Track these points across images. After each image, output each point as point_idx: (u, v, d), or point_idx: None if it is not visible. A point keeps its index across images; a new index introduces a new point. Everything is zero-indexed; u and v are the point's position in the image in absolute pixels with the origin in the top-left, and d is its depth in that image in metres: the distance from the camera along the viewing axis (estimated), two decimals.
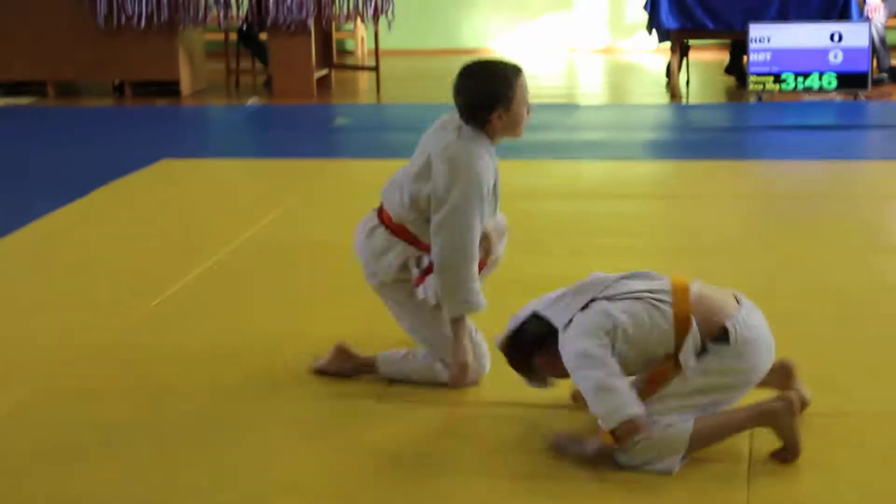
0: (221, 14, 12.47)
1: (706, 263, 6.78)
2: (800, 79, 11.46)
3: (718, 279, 5.46)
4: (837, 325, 5.74)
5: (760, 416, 4.63)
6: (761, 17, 11.82)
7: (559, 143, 10.12)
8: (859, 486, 4.37)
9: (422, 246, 5.22)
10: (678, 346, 4.55)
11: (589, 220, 7.76)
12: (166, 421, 4.89)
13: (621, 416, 4.36)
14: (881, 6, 12.10)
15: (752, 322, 4.63)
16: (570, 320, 4.56)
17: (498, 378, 5.14)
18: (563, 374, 4.65)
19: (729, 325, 4.51)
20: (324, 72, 12.93)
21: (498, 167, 5.18)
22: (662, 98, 12.44)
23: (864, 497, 4.36)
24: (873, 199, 8.27)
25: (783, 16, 11.83)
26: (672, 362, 4.59)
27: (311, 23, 12.31)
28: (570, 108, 11.96)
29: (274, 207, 7.95)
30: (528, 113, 5.18)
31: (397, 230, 5.24)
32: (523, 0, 15.60)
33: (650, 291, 4.54)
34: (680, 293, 4.55)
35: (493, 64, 5.23)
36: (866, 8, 12.07)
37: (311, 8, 12.18)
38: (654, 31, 12.33)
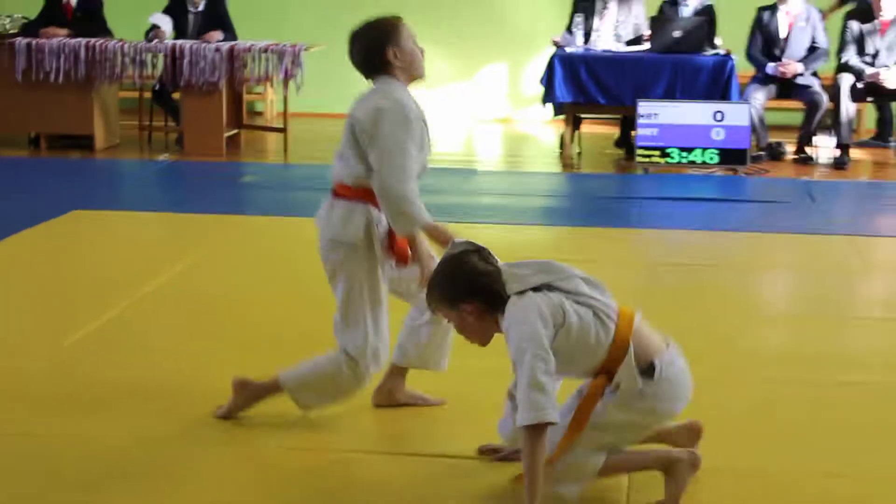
0: (136, 73, 12.49)
1: None
2: (684, 153, 11.66)
3: None
4: (715, 389, 5.71)
5: (666, 462, 4.67)
6: (649, 94, 12.02)
7: (457, 206, 10.06)
8: None
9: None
10: (605, 366, 4.53)
11: None
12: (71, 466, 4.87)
13: (541, 419, 4.31)
14: (759, 88, 12.37)
15: (678, 365, 4.61)
16: (523, 293, 4.52)
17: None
18: (474, 335, 4.66)
19: (657, 361, 4.50)
20: (234, 131, 12.96)
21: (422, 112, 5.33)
22: (555, 167, 12.57)
23: None
24: (750, 269, 8.46)
25: (670, 94, 12.05)
26: (604, 380, 4.54)
27: (222, 84, 12.35)
28: (468, 172, 12.01)
29: (180, 259, 8.01)
30: (421, 54, 5.40)
31: (355, 195, 5.30)
32: (427, 70, 15.63)
33: (602, 304, 4.51)
34: (625, 318, 4.51)
35: (371, 19, 5.35)
36: (746, 91, 12.30)
37: (224, 70, 12.24)
38: (548, 104, 12.45)
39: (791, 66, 12.33)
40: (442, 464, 5.07)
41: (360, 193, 5.27)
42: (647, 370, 4.52)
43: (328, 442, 5.28)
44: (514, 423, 4.50)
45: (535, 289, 4.53)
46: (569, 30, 12.75)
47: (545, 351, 4.38)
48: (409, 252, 5.26)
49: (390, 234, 5.30)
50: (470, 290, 4.58)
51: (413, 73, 5.43)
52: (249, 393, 5.45)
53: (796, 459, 4.99)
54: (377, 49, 5.28)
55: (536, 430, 4.32)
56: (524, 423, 4.33)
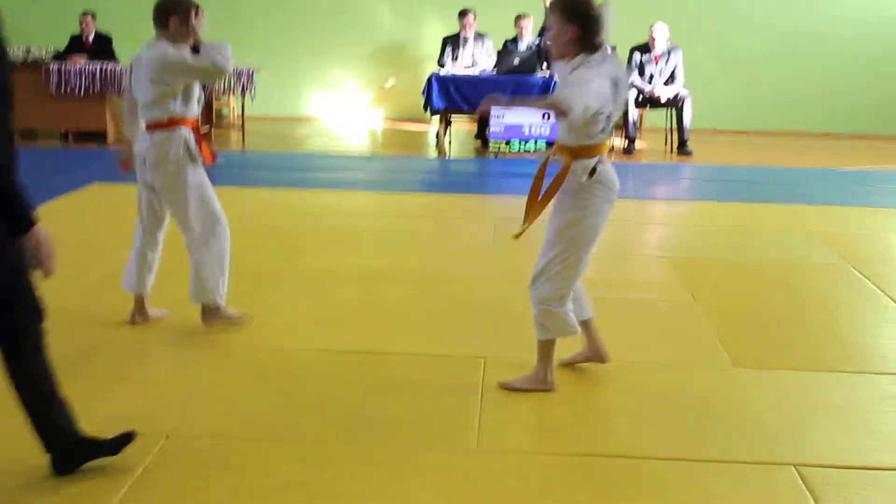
0: None
1: (450, 259, 7.08)
2: (521, 143, 11.60)
3: (463, 270, 5.61)
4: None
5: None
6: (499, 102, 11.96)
7: (362, 180, 10.26)
8: (573, 404, 4.52)
9: (188, 123, 5.08)
10: (577, 150, 4.32)
11: (381, 232, 7.87)
12: None
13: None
14: None
15: (610, 170, 4.40)
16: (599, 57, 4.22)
17: None
18: (556, 45, 4.26)
19: (598, 165, 4.32)
20: (206, 128, 12.92)
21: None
22: (433, 153, 12.60)
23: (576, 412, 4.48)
24: None
25: (512, 102, 11.99)
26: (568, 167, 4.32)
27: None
28: (369, 158, 12.06)
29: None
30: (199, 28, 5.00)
31: (167, 124, 5.03)
32: (342, 82, 15.60)
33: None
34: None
35: None
36: None
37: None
38: (428, 108, 12.42)
39: None
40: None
41: (170, 122, 5.07)
42: (591, 172, 4.33)
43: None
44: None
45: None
46: (440, 60, 12.84)
47: (601, 97, 4.11)
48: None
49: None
50: (588, 20, 4.26)
51: (186, 39, 5.00)
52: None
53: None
54: (164, 12, 4.99)
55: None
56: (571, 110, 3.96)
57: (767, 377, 4.88)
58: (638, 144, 12.75)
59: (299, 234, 7.61)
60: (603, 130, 4.33)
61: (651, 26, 12.43)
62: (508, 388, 4.60)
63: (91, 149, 12.03)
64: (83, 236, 7.48)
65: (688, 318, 5.81)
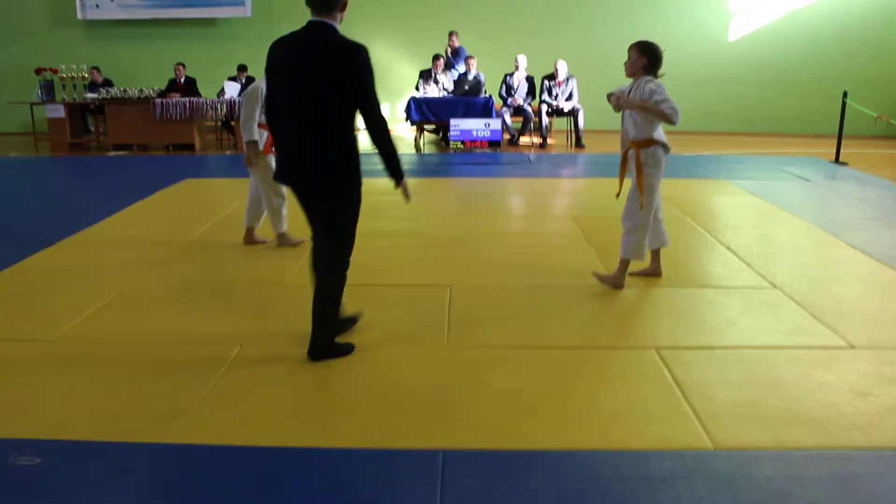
0: (213, 114, 12.29)
1: (430, 221, 6.82)
2: (472, 142, 11.67)
3: (440, 228, 5.42)
4: (469, 265, 5.69)
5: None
6: (456, 115, 11.88)
7: (365, 170, 10.13)
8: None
9: (263, 126, 5.49)
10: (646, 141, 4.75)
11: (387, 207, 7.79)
12: None
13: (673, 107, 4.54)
14: (505, 110, 12.37)
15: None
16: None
17: None
18: (631, 68, 4.75)
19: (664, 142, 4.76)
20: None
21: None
22: (411, 150, 12.32)
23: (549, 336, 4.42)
24: (501, 195, 8.26)
25: (465, 115, 11.90)
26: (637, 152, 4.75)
27: None
28: (367, 155, 11.81)
29: (236, 200, 7.80)
30: None
31: (261, 125, 5.51)
32: None
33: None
34: None
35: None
36: (501, 112, 12.32)
37: None
38: (408, 120, 12.26)
39: (517, 100, 12.39)
40: None
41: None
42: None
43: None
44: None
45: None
46: (417, 87, 12.69)
47: (674, 106, 4.52)
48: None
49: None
50: (654, 55, 4.69)
51: None
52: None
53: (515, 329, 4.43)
54: None
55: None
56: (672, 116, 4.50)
57: (637, 292, 4.93)
58: (549, 141, 12.71)
59: None
60: (656, 129, 4.74)
61: (555, 62, 12.39)
62: (598, 277, 5.05)
63: (184, 155, 11.89)
64: (184, 211, 7.42)
65: (583, 255, 5.83)
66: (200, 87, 13.07)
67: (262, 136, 5.64)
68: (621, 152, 4.88)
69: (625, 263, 4.95)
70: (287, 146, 3.63)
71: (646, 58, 4.71)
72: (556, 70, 12.41)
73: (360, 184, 3.66)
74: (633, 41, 4.82)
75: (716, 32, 14.33)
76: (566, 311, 4.58)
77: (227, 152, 12.19)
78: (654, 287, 5.01)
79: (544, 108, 12.43)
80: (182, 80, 12.86)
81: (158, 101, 12.08)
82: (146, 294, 4.93)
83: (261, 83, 5.45)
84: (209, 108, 12.20)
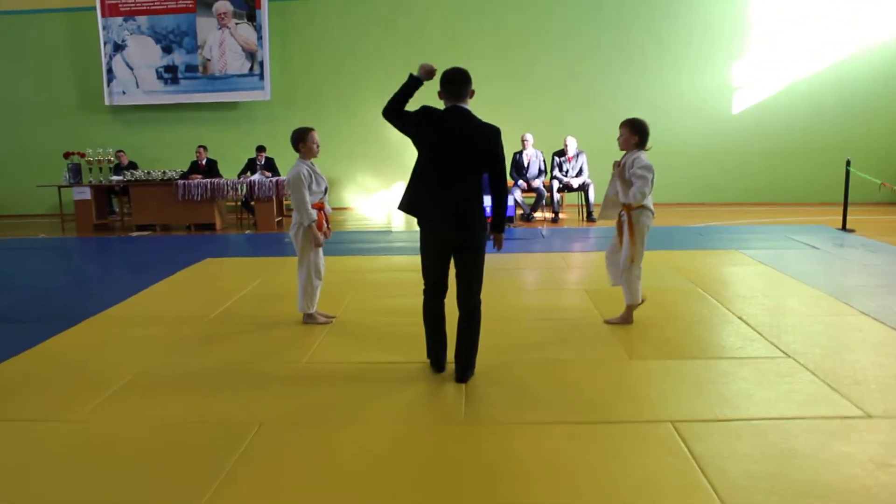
0: (234, 194, 12.46)
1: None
2: None
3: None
4: (495, 327, 5.79)
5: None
6: None
7: (382, 248, 10.14)
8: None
9: (316, 205, 5.76)
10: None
11: (398, 281, 7.71)
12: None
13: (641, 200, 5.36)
14: (517, 188, 12.45)
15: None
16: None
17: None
18: (625, 144, 5.43)
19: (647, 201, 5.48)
20: (279, 218, 12.79)
21: (313, 171, 5.67)
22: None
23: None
24: (516, 270, 8.18)
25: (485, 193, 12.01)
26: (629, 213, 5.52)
27: (273, 197, 12.31)
28: (387, 232, 11.85)
29: (258, 278, 7.91)
30: (317, 148, 5.68)
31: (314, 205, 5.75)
32: (367, 183, 15.57)
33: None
34: None
35: (300, 127, 5.68)
36: (512, 189, 12.39)
37: (274, 191, 12.24)
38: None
39: (533, 182, 12.51)
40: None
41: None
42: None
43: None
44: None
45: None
46: None
47: (650, 183, 5.32)
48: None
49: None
50: (644, 133, 5.39)
51: (309, 156, 5.72)
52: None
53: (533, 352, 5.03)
54: (294, 141, 5.65)
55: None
56: (633, 200, 5.37)
57: (652, 365, 4.89)
58: (561, 216, 12.79)
59: (343, 284, 7.61)
60: (646, 197, 5.43)
61: (565, 138, 12.56)
62: (609, 322, 5.83)
63: (205, 235, 12.02)
64: (205, 290, 7.47)
65: (596, 328, 5.81)
66: (221, 168, 13.32)
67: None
68: (607, 213, 5.66)
69: (630, 307, 5.77)
70: (438, 201, 4.38)
71: (637, 136, 5.39)
72: (566, 146, 12.56)
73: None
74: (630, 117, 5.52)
75: (719, 105, 14.51)
76: (580, 384, 4.55)
77: (247, 232, 12.32)
78: (669, 359, 4.98)
79: (555, 183, 12.54)
80: (203, 162, 13.09)
81: (181, 182, 12.29)
82: (168, 372, 4.96)
83: (301, 167, 5.64)
84: (230, 188, 12.39)
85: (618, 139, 5.46)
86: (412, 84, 4.47)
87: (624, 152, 5.54)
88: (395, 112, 4.46)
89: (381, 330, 5.87)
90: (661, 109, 14.47)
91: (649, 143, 5.45)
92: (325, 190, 5.87)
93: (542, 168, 12.78)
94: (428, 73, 4.51)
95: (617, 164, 5.51)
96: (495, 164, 4.38)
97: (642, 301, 5.82)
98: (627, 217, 5.53)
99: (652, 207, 5.52)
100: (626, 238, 5.58)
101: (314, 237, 5.75)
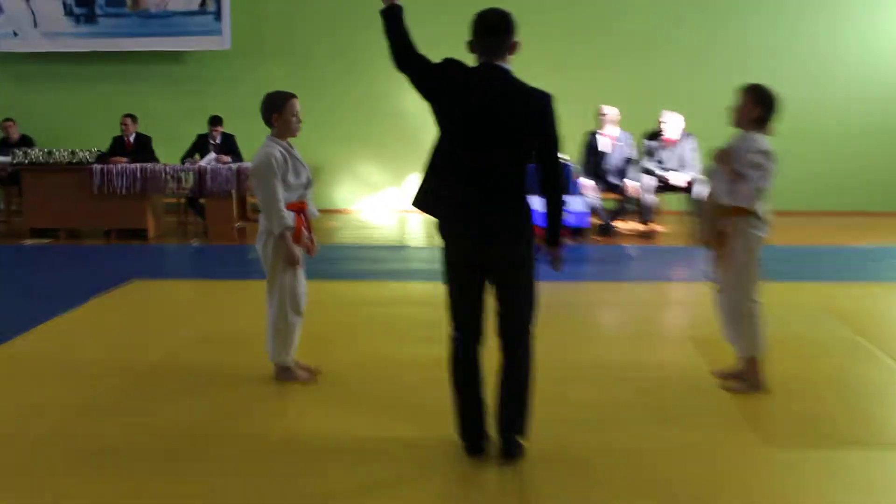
0: (175, 186, 12.57)
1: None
2: None
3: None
4: (574, 383, 5.74)
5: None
6: None
7: (392, 270, 10.21)
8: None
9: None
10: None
11: (414, 318, 7.76)
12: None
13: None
14: (592, 187, 12.52)
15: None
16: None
17: None
18: (741, 115, 5.49)
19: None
20: (241, 223, 12.91)
21: (290, 154, 5.75)
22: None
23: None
24: (592, 305, 8.38)
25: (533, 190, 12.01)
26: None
27: (233, 192, 12.45)
28: (399, 248, 12.00)
29: (208, 312, 8.02)
30: (297, 122, 5.75)
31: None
32: (370, 177, 15.73)
33: None
34: None
35: (273, 91, 5.77)
36: (582, 188, 12.45)
37: (234, 182, 12.37)
38: None
39: (630, 186, 12.55)
40: None
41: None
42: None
43: None
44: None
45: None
46: None
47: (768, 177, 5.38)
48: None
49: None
50: (770, 107, 5.41)
51: (286, 134, 5.78)
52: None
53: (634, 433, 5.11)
54: (266, 112, 5.71)
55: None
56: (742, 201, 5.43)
57: (795, 456, 4.84)
58: (656, 228, 12.79)
59: (335, 325, 7.64)
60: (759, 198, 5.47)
61: (661, 114, 12.53)
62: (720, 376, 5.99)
63: (132, 245, 12.14)
64: (132, 327, 7.54)
65: (712, 396, 5.79)
66: (158, 148, 13.42)
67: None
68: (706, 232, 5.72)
69: (751, 361, 5.72)
70: (465, 199, 4.39)
71: (759, 108, 5.44)
72: (664, 125, 12.55)
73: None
74: (764, 84, 5.47)
75: None
76: (684, 482, 4.53)
77: (194, 242, 12.38)
78: (825, 448, 4.93)
79: (647, 180, 12.52)
80: (132, 139, 13.21)
81: (97, 168, 12.39)
82: (75, 446, 4.97)
83: (272, 149, 5.66)
84: (169, 177, 12.50)
85: (731, 109, 5.51)
86: (390, 16, 4.44)
87: (733, 134, 5.62)
88: (403, 53, 4.43)
89: (387, 390, 5.88)
90: (811, 76, 14.45)
91: (774, 125, 5.50)
92: (308, 183, 5.90)
93: (630, 157, 12.77)
94: None
95: (721, 155, 5.56)
96: (545, 147, 4.41)
97: (739, 376, 5.89)
98: (728, 227, 5.55)
99: (765, 215, 5.53)
100: (727, 259, 5.65)
101: (289, 253, 5.78)
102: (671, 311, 8.20)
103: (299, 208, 5.84)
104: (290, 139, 5.83)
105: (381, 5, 4.48)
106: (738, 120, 5.51)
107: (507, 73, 4.39)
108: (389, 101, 14.94)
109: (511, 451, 4.63)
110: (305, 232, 5.93)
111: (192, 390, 5.92)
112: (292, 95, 5.77)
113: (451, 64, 4.44)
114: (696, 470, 4.67)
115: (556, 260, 4.64)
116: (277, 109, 5.71)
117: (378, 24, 4.44)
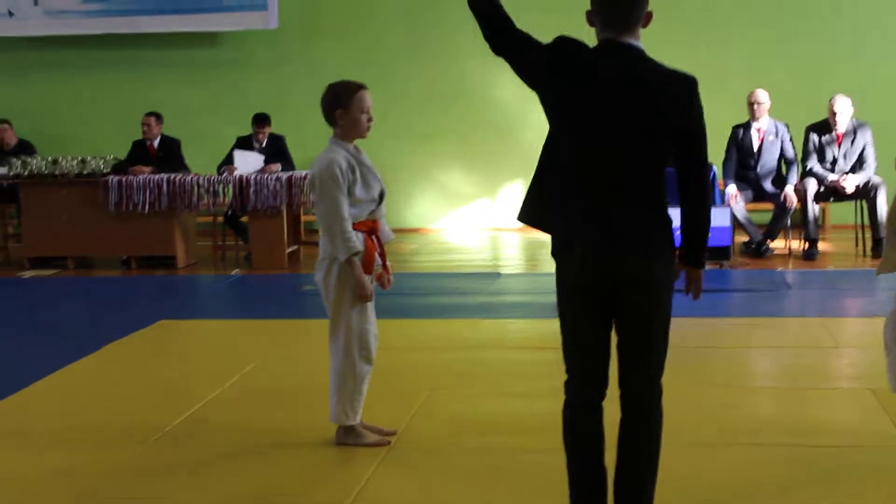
0: (210, 201, 12.74)
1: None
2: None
3: None
4: (712, 450, 5.89)
5: None
6: None
7: (484, 304, 10.23)
8: None
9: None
10: None
11: (515, 366, 7.75)
12: None
13: None
14: (738, 195, 12.45)
15: None
16: None
17: None
18: None
19: None
20: (294, 247, 13.08)
21: (359, 161, 5.74)
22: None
23: None
24: (738, 349, 8.35)
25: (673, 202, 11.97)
26: None
27: (283, 208, 12.56)
28: (492, 276, 12.01)
29: (252, 360, 8.04)
30: (368, 121, 5.75)
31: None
32: (455, 187, 15.79)
33: None
34: None
35: (338, 82, 5.80)
36: (726, 197, 12.40)
37: (284, 196, 12.46)
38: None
39: (790, 196, 12.43)
40: None
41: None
42: None
43: None
44: None
45: None
46: None
47: None
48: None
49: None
50: None
51: (354, 135, 5.77)
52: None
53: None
54: (329, 108, 5.72)
55: None
56: None
57: None
58: (821, 246, 12.66)
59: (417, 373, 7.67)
60: None
61: (831, 100, 12.41)
62: None
63: (157, 276, 12.34)
64: (157, 378, 7.64)
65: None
66: (188, 154, 13.59)
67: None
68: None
69: None
70: (586, 210, 4.33)
71: None
72: (834, 115, 12.42)
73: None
74: None
75: None
76: None
77: (235, 272, 12.56)
78: None
79: (812, 185, 12.39)
80: (156, 143, 13.43)
81: (114, 180, 12.60)
82: None
83: (336, 155, 5.71)
84: (203, 191, 12.69)
85: None
86: None
87: None
88: (500, 34, 4.44)
89: (480, 458, 5.85)
90: None
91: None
92: (381, 196, 5.95)
93: (789, 156, 12.64)
94: None
95: None
96: (688, 145, 4.37)
97: None
98: None
99: None
100: None
101: (358, 283, 5.80)
102: (843, 355, 8.09)
103: (371, 228, 5.87)
104: (357, 141, 5.87)
105: None
106: None
107: (639, 52, 4.35)
108: (480, 90, 15.01)
109: None
110: (378, 258, 5.97)
111: (233, 458, 5.95)
112: (362, 86, 5.78)
113: (565, 42, 4.41)
114: None
115: (696, 283, 4.54)
116: (343, 104, 5.72)
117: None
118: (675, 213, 4.43)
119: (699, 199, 4.40)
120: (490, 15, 4.43)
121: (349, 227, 5.71)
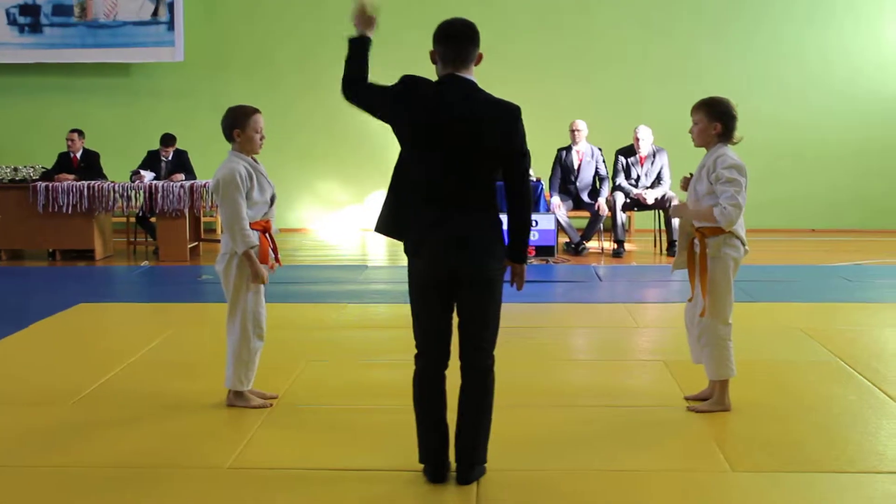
0: (124, 205, 12.54)
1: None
2: None
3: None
4: (531, 411, 5.89)
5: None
6: None
7: (353, 291, 10.21)
8: None
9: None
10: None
11: (376, 343, 7.78)
12: None
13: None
14: (561, 204, 12.60)
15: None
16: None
17: None
18: (700, 137, 5.61)
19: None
20: (194, 243, 12.92)
21: (255, 170, 5.71)
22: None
23: None
24: (558, 328, 8.43)
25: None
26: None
27: (186, 211, 12.42)
28: (360, 268, 11.99)
29: (158, 337, 7.94)
30: (260, 139, 5.75)
31: None
32: (331, 195, 15.74)
33: None
34: None
35: (236, 105, 5.78)
36: (552, 206, 12.51)
37: (187, 201, 12.33)
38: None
39: (602, 206, 12.69)
40: None
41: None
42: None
43: None
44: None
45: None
46: None
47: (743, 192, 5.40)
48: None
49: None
50: (729, 117, 5.51)
51: (250, 150, 5.75)
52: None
53: (576, 459, 5.10)
54: (228, 128, 5.68)
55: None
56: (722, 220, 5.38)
57: (766, 481, 4.85)
58: (627, 247, 12.87)
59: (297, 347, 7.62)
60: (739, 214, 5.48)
61: (636, 129, 12.62)
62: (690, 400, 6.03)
63: (77, 267, 12.07)
64: (75, 353, 7.49)
65: (678, 421, 5.79)
66: (106, 164, 13.36)
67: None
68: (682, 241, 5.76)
69: (721, 384, 5.80)
70: (432, 218, 4.46)
71: (719, 123, 5.53)
72: (638, 141, 12.63)
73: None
74: (727, 96, 5.63)
75: (878, 82, 14.67)
76: (664, 503, 4.55)
77: (144, 263, 12.36)
78: (794, 472, 4.94)
79: (620, 198, 12.59)
80: (78, 155, 13.19)
81: (42, 185, 12.38)
82: (14, 480, 4.93)
83: (236, 164, 5.65)
84: (118, 196, 12.48)
85: (690, 130, 5.67)
86: (357, 46, 4.63)
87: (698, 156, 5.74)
88: (352, 86, 4.60)
89: (346, 418, 5.86)
90: (789, 86, 14.59)
91: (737, 134, 5.58)
92: (272, 200, 5.92)
93: (602, 174, 12.84)
94: (364, 20, 4.62)
95: (687, 181, 5.79)
96: (513, 161, 4.46)
97: (706, 397, 5.98)
98: (700, 247, 5.59)
99: (742, 235, 5.59)
100: (697, 280, 5.69)
101: (255, 270, 5.76)
102: (644, 335, 8.21)
103: (264, 228, 5.84)
104: (254, 156, 5.83)
105: (350, 22, 4.62)
106: (700, 140, 5.63)
107: (473, 85, 4.45)
108: (352, 118, 14.87)
109: (468, 477, 4.66)
110: (271, 252, 5.92)
111: (139, 418, 5.87)
112: (256, 111, 5.76)
113: (409, 80, 4.50)
114: (664, 494, 4.66)
115: (519, 277, 4.67)
116: (240, 125, 5.69)
117: (343, 41, 4.51)
118: (504, 218, 4.52)
119: (522, 206, 4.49)
120: (354, 74, 4.64)
121: (247, 225, 5.68)
